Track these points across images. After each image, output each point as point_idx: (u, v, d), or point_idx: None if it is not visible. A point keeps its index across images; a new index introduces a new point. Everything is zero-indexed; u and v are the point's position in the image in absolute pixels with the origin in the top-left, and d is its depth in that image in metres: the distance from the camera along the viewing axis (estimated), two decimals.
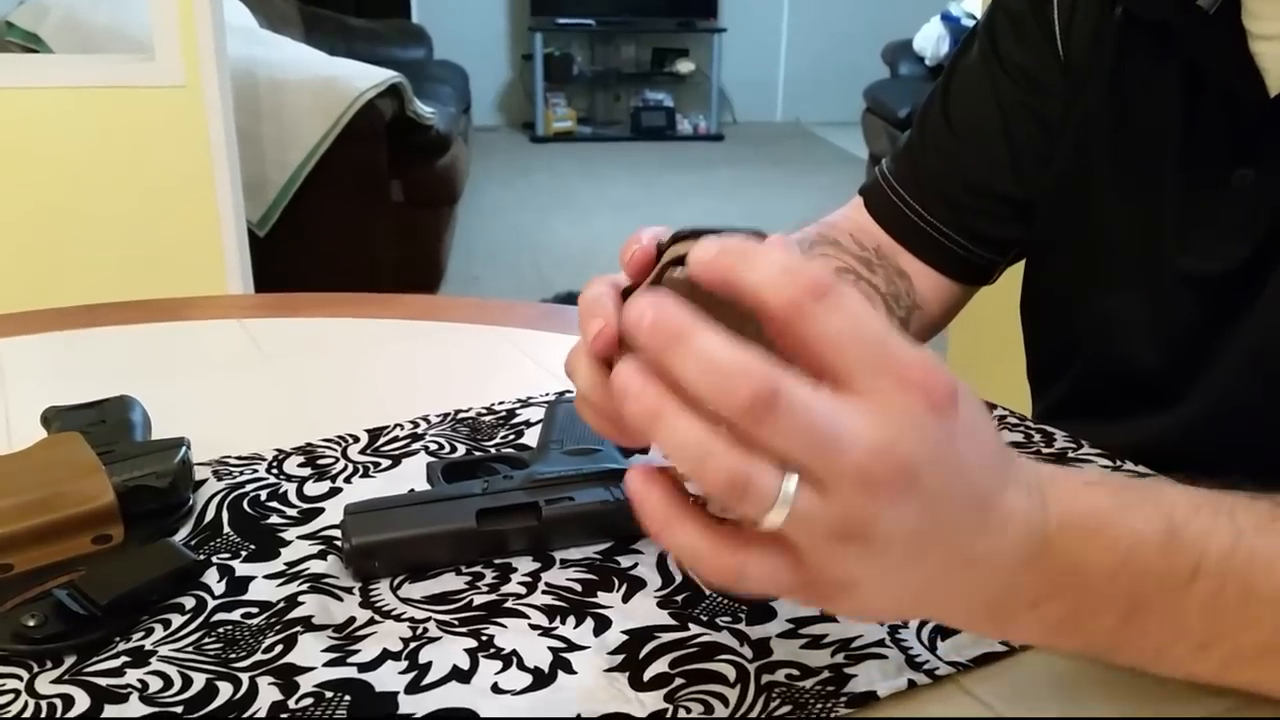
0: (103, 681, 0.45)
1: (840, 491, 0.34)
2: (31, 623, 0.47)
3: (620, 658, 0.47)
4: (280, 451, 0.66)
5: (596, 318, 0.44)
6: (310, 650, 0.47)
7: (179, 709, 0.44)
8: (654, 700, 0.44)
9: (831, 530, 0.35)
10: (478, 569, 0.54)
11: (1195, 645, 0.42)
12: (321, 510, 0.60)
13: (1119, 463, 0.65)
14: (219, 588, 0.52)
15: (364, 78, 2.86)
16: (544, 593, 0.52)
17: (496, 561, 0.54)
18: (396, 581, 0.53)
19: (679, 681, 0.45)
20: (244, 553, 0.55)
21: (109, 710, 0.44)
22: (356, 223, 3.02)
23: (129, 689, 0.45)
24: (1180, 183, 0.66)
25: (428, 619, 0.50)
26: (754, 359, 0.34)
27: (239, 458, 0.65)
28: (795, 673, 0.46)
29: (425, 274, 3.28)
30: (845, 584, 0.36)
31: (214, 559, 0.55)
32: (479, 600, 0.51)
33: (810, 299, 0.34)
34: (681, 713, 0.44)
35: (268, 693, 0.45)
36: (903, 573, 0.37)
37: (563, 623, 0.50)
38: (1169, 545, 0.41)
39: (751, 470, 0.34)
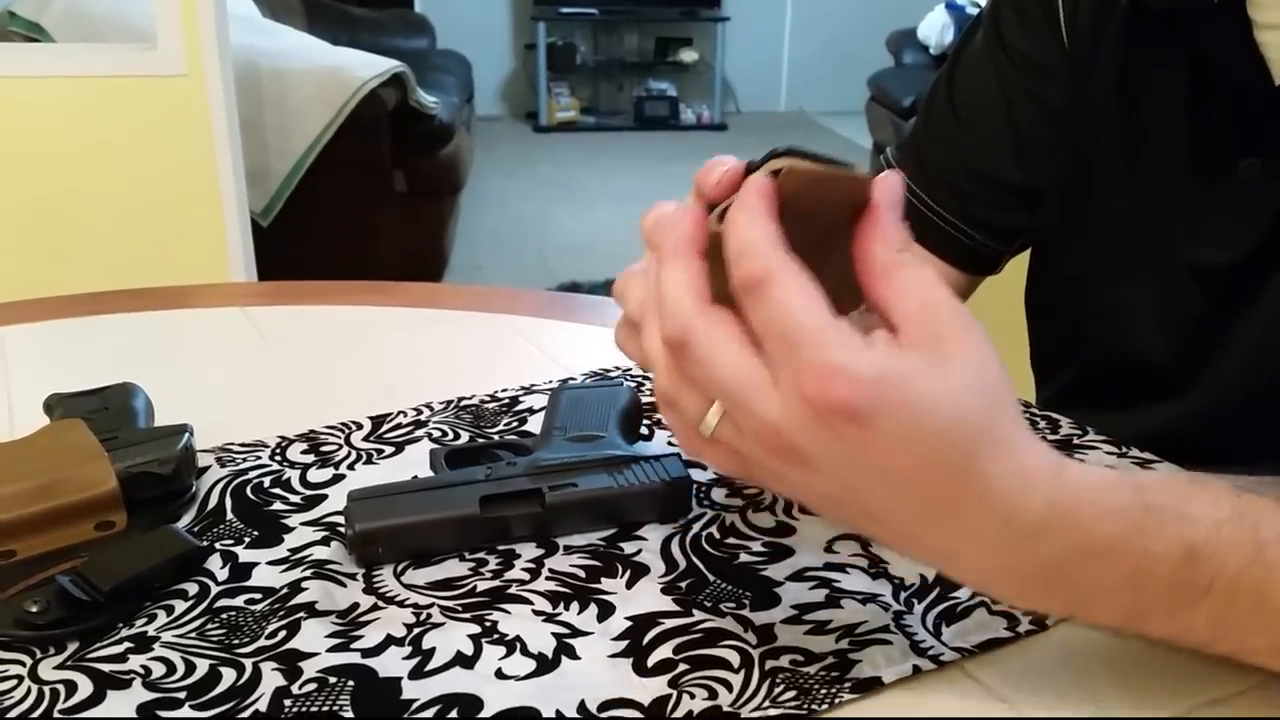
0: (105, 667, 0.45)
1: (747, 439, 0.39)
2: (34, 609, 0.47)
3: (624, 644, 0.47)
4: (283, 438, 0.66)
5: (672, 226, 0.43)
6: (314, 636, 0.47)
7: (182, 695, 0.44)
8: (658, 686, 0.44)
9: (751, 458, 0.40)
10: (481, 555, 0.54)
11: (1200, 644, 0.42)
12: (325, 497, 0.59)
13: (1124, 449, 0.65)
14: (222, 574, 0.52)
15: (367, 67, 2.85)
16: (547, 579, 0.52)
17: (500, 548, 0.54)
18: (400, 567, 0.53)
19: (683, 667, 0.45)
20: (247, 539, 0.55)
21: (112, 696, 0.44)
22: (359, 213, 3.02)
23: (132, 675, 0.45)
24: (1187, 173, 0.65)
25: (431, 605, 0.50)
26: (685, 302, 0.39)
27: (242, 444, 0.65)
28: (800, 658, 0.46)
29: (428, 264, 3.27)
30: (784, 491, 0.42)
31: (217, 545, 0.54)
32: (482, 586, 0.51)
33: (742, 292, 0.38)
34: (685, 698, 0.43)
35: (271, 678, 0.45)
36: (838, 510, 0.41)
37: (566, 609, 0.50)
38: (1183, 567, 0.40)
39: (679, 396, 0.41)
